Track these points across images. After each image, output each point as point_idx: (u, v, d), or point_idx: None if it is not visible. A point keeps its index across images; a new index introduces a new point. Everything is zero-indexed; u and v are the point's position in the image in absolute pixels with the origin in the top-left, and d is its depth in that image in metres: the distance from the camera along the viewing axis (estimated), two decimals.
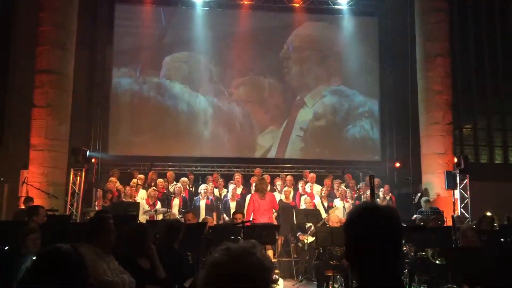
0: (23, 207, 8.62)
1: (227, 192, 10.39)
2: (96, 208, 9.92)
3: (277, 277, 7.15)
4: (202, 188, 10.20)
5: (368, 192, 10.07)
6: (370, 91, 13.92)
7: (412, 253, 7.16)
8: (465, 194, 11.00)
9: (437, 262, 6.91)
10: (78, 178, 10.64)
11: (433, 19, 11.91)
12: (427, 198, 10.64)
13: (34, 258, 4.21)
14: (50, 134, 10.49)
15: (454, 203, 10.43)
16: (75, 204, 10.51)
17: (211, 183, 10.78)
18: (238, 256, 1.38)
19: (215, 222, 9.32)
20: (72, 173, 10.58)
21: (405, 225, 7.94)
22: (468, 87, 14.61)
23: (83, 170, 10.68)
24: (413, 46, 12.37)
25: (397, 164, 13.05)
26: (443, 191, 11.07)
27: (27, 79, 10.95)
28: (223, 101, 13.26)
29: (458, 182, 10.84)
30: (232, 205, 9.91)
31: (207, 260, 1.40)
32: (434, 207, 10.45)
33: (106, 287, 3.33)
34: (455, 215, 9.09)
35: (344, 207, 10.11)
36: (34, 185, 9.94)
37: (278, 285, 7.08)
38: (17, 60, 12.41)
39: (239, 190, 10.57)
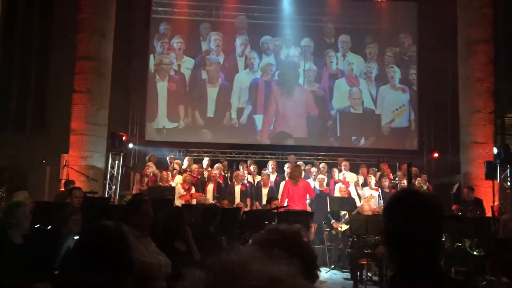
0: (64, 189, 8.91)
1: (261, 178, 10.43)
2: (134, 191, 10.16)
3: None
4: (236, 174, 10.29)
5: (405, 181, 9.92)
6: (408, 78, 13.62)
7: (449, 244, 7.02)
8: (505, 184, 10.67)
9: (475, 253, 6.77)
10: (116, 162, 10.92)
11: (475, 3, 11.47)
12: (471, 187, 10.28)
13: (76, 237, 4.37)
14: (89, 119, 10.75)
15: (493, 194, 10.13)
16: (113, 187, 10.80)
17: (245, 170, 10.83)
18: (288, 236, 1.39)
19: (248, 208, 9.40)
20: (110, 157, 10.85)
21: None
22: (511, 74, 14.07)
23: (121, 154, 10.93)
24: (454, 31, 11.99)
25: (436, 155, 12.75)
26: (482, 181, 10.76)
27: (68, 66, 11.24)
28: (260, 87, 13.25)
29: (498, 172, 10.51)
30: (264, 192, 9.93)
31: (254, 239, 1.42)
32: (477, 197, 10.15)
33: (144, 268, 3.41)
34: (494, 206, 8.86)
35: (379, 196, 9.96)
36: (74, 168, 10.26)
37: (321, 271, 7.10)
38: (58, 47, 12.76)
39: (273, 177, 10.58)
